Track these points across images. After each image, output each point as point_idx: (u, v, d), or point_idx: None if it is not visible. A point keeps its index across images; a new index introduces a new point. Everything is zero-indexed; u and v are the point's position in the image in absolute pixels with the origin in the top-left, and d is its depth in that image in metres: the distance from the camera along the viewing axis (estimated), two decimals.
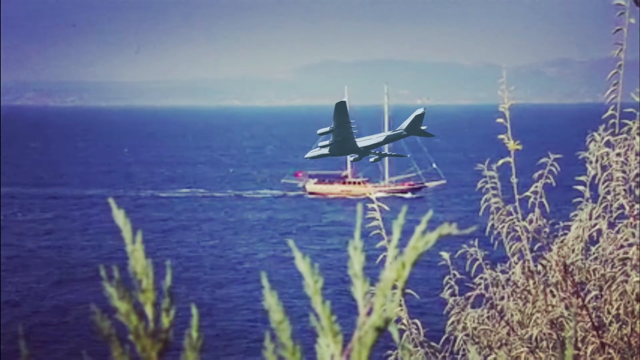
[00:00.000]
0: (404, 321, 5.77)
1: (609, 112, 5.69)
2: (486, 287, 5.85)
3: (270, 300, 1.20)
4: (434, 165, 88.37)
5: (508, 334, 5.64)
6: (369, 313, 1.13)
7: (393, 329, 1.17)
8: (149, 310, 1.28)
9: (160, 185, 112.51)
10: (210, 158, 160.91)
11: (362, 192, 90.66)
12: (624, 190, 5.48)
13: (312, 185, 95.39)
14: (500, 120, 6.12)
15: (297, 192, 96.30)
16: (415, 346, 5.84)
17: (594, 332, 5.30)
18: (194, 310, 1.28)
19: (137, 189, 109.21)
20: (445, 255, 6.04)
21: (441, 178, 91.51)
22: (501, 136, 6.07)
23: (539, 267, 5.67)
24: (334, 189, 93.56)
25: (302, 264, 1.15)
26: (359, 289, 1.14)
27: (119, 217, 1.26)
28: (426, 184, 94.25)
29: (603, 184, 5.56)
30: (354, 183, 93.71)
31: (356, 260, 1.13)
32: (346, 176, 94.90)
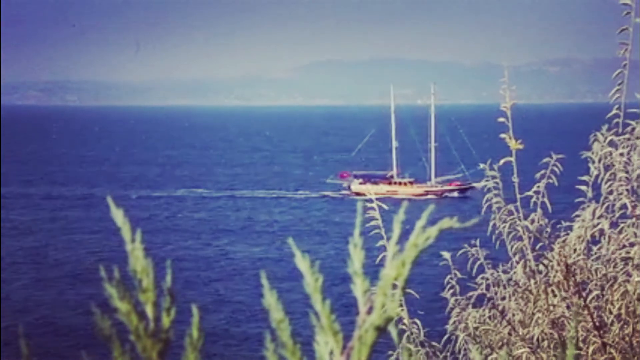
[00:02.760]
0: (405, 321, 5.76)
1: (614, 111, 5.68)
2: (487, 287, 5.85)
3: (270, 299, 1.19)
4: (482, 166, 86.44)
5: (509, 333, 5.64)
6: (369, 311, 1.13)
7: (392, 329, 1.16)
8: (149, 310, 1.28)
9: (187, 184, 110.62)
10: (230, 157, 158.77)
11: (408, 193, 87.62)
12: (627, 190, 5.48)
13: (357, 186, 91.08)
14: (501, 119, 6.12)
15: (341, 192, 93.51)
16: (416, 346, 5.84)
17: (596, 332, 5.29)
18: (195, 310, 1.28)
19: (156, 188, 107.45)
20: (446, 254, 6.03)
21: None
22: (503, 135, 6.07)
23: (541, 267, 5.67)
24: (380, 189, 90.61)
25: (301, 263, 1.14)
26: (359, 287, 1.13)
27: (118, 216, 1.25)
28: (473, 184, 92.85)
29: (605, 183, 5.56)
30: (400, 183, 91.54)
31: (356, 258, 1.12)
32: (392, 176, 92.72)
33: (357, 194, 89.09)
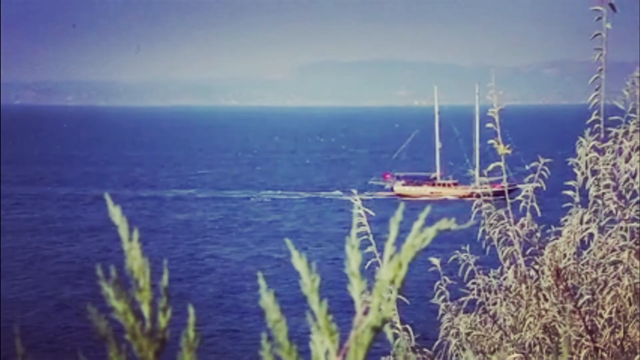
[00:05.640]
0: (398, 325, 5.78)
1: (593, 117, 5.74)
2: (478, 292, 5.86)
3: (267, 300, 1.22)
4: (527, 167, 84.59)
5: (501, 338, 5.65)
6: (365, 312, 1.15)
7: (388, 331, 1.19)
8: (145, 310, 1.29)
9: (216, 185, 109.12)
10: (249, 159, 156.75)
11: (453, 194, 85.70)
12: (614, 195, 5.51)
13: (399, 187, 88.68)
14: (490, 125, 6.15)
15: (384, 193, 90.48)
16: (408, 351, 5.85)
17: (587, 336, 5.32)
18: (190, 310, 1.30)
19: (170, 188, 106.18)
20: (435, 261, 6.03)
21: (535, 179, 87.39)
22: (491, 141, 6.11)
23: (532, 272, 5.69)
24: (423, 191, 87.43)
25: (298, 263, 1.17)
26: (355, 287, 1.15)
27: (115, 213, 1.27)
28: (519, 185, 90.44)
29: (593, 188, 5.59)
30: (444, 185, 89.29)
31: (353, 259, 1.15)
32: (435, 178, 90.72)
33: (400, 195, 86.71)
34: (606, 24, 5.79)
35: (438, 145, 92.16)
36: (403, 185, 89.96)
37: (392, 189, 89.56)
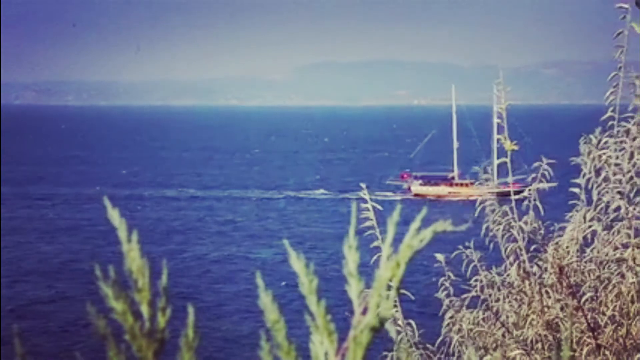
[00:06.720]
0: (400, 322, 5.76)
1: (609, 113, 5.69)
2: (482, 289, 5.85)
3: (265, 300, 1.20)
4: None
5: (503, 335, 5.64)
6: (363, 312, 1.13)
7: (391, 328, 1.17)
8: (144, 310, 1.28)
9: (225, 186, 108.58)
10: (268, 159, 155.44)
11: (471, 194, 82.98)
12: (619, 192, 5.49)
13: (417, 187, 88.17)
14: (497, 120, 6.14)
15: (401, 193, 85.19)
16: (410, 347, 5.84)
17: (590, 334, 5.30)
18: (190, 310, 1.28)
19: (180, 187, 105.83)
20: (440, 257, 6.03)
21: (551, 180, 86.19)
22: (498, 136, 6.10)
23: (535, 269, 5.68)
24: (440, 191, 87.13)
25: (296, 264, 1.15)
26: (353, 287, 1.14)
27: (114, 216, 1.26)
28: (538, 185, 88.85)
29: (598, 186, 5.57)
30: (461, 185, 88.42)
31: (351, 259, 1.13)
32: (453, 178, 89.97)
33: (417, 195, 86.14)
34: (631, 23, 5.73)
35: (455, 144, 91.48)
36: (420, 185, 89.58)
37: (409, 189, 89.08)
